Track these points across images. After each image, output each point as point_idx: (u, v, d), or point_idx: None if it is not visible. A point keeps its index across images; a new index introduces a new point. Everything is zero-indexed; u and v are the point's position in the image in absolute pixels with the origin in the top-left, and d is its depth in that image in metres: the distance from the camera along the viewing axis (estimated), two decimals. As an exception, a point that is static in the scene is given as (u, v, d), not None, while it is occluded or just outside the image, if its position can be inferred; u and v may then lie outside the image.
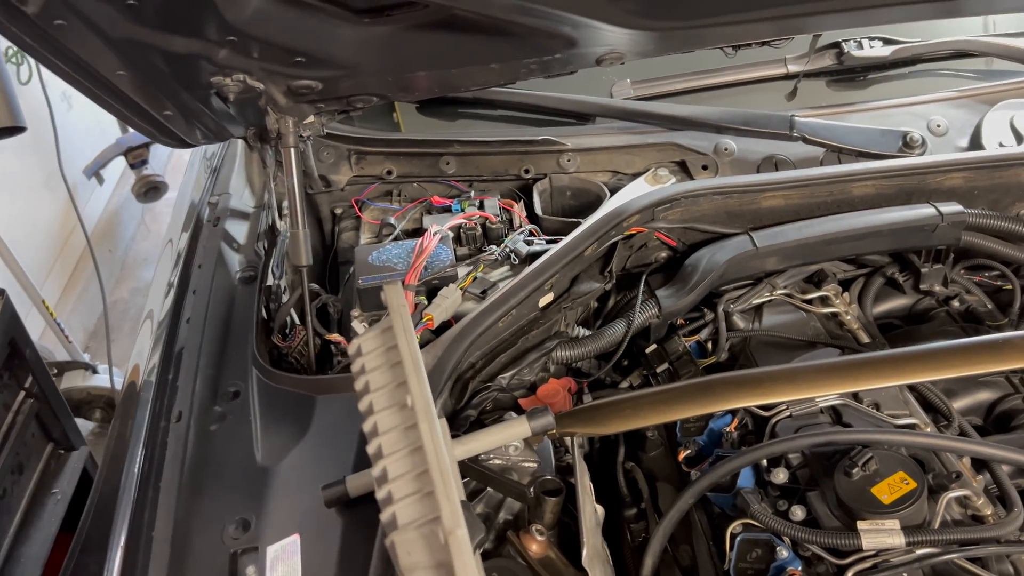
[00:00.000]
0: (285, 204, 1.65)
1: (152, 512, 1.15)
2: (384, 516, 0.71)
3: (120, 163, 4.07)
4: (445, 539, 0.65)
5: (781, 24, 1.34)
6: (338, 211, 1.78)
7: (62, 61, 1.05)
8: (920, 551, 1.05)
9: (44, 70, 3.33)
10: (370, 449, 0.76)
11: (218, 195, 1.69)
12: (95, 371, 3.07)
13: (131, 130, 4.13)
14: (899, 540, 1.05)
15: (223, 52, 1.12)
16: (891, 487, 1.10)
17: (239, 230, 1.62)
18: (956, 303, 1.56)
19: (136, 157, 4.05)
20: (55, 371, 2.93)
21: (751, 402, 1.16)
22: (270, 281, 1.52)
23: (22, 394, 1.82)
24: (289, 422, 1.26)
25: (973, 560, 1.05)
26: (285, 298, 1.50)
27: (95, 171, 4.00)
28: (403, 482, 0.71)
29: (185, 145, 1.48)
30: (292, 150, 1.33)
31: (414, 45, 1.23)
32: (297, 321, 1.47)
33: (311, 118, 1.43)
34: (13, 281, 2.89)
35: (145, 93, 1.18)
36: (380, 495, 0.72)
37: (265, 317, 1.47)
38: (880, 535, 1.06)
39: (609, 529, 1.34)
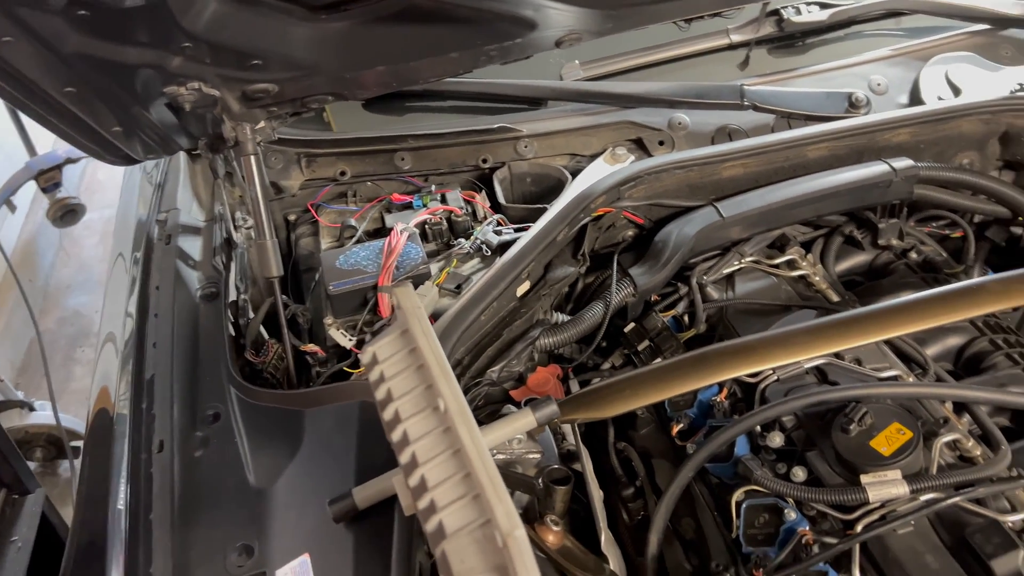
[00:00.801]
0: (238, 215, 1.59)
1: (147, 551, 1.09)
2: (430, 526, 0.68)
3: (31, 188, 3.86)
4: (504, 542, 0.63)
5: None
6: (292, 217, 1.72)
7: (4, 80, 0.97)
8: (924, 497, 1.07)
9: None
10: (403, 458, 0.73)
11: (165, 212, 1.61)
12: (31, 408, 2.91)
13: (40, 152, 3.93)
14: (903, 489, 1.07)
15: (177, 60, 1.06)
16: (888, 439, 1.13)
17: (193, 246, 1.55)
18: (913, 255, 1.61)
19: (48, 180, 3.84)
20: (-7, 416, 2.77)
21: (747, 369, 1.17)
22: (234, 296, 1.46)
23: (-32, 440, 1.71)
24: (278, 440, 1.21)
25: (974, 501, 1.09)
26: (252, 311, 1.44)
27: (5, 199, 3.77)
28: (446, 488, 0.69)
29: (130, 161, 1.41)
30: (252, 157, 1.27)
31: (373, 39, 1.19)
32: (267, 335, 1.42)
33: (262, 123, 1.37)
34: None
35: (92, 109, 1.11)
36: (422, 504, 0.70)
37: (234, 334, 1.41)
38: (885, 486, 1.08)
39: (605, 511, 1.34)
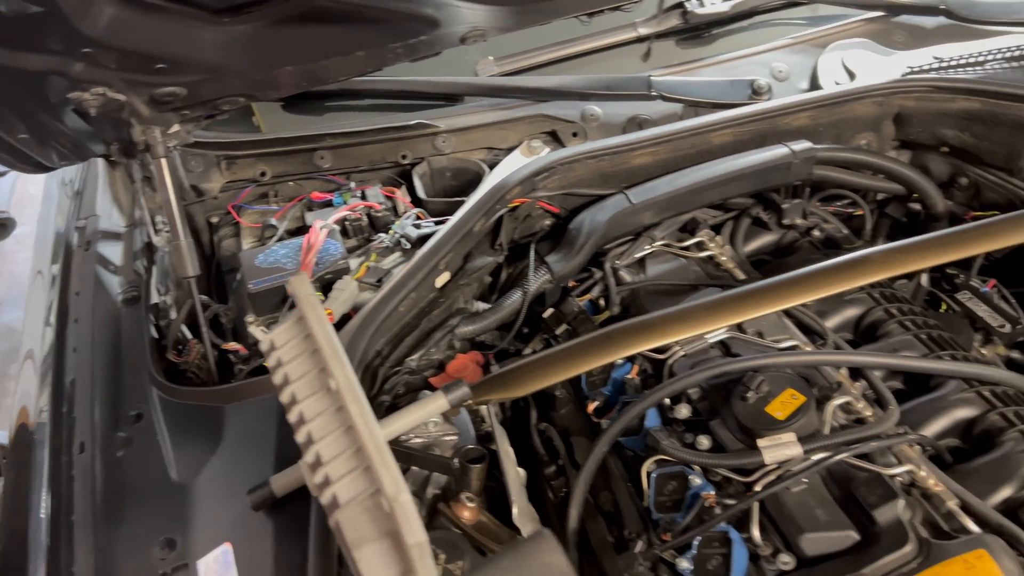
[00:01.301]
0: (158, 219, 1.60)
1: (69, 551, 1.11)
2: (324, 499, 0.72)
3: (-43, 203, 3.78)
4: (390, 507, 0.67)
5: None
6: (214, 220, 1.74)
7: (-100, 91, 0.99)
8: (816, 457, 1.14)
9: None
10: (299, 438, 0.77)
11: (85, 219, 1.62)
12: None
13: (-35, 166, 3.85)
14: (797, 450, 1.14)
15: (79, 66, 1.07)
16: (783, 404, 1.20)
17: (114, 252, 1.56)
18: (816, 232, 1.69)
19: (-25, 195, 3.77)
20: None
21: (650, 345, 1.23)
22: (156, 299, 1.47)
23: None
24: (200, 436, 1.24)
25: (862, 457, 1.16)
26: (174, 313, 1.46)
27: (-70, 216, 3.70)
28: (339, 462, 0.73)
29: (43, 169, 1.41)
30: (163, 160, 1.29)
31: (278, 41, 1.22)
32: (190, 335, 1.44)
33: (176, 127, 1.39)
34: None
35: (-4, 118, 1.12)
36: (316, 479, 0.73)
37: (156, 336, 1.43)
38: (779, 448, 1.15)
39: (531, 490, 1.39)
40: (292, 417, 0.78)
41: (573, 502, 1.28)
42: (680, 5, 1.85)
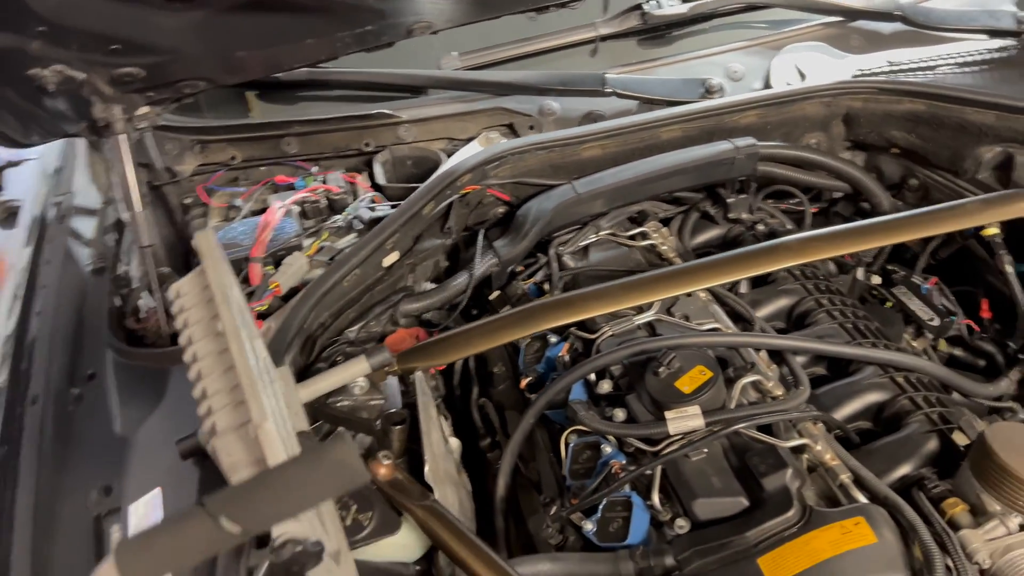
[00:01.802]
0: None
1: (12, 491, 1.20)
2: (205, 427, 0.80)
3: (-26, 191, 3.94)
4: (255, 433, 0.74)
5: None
6: (187, 201, 1.83)
7: None
8: (715, 429, 1.20)
9: None
10: (191, 374, 0.84)
11: (62, 195, 1.72)
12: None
13: (-17, 156, 4.01)
14: (699, 422, 1.20)
15: (36, 43, 1.16)
16: (692, 379, 1.26)
17: (87, 226, 1.66)
18: (761, 227, 1.74)
19: (-9, 183, 3.93)
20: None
21: (564, 320, 1.29)
22: (121, 270, 1.56)
23: None
24: (145, 394, 1.32)
25: (765, 432, 1.21)
26: (137, 284, 1.54)
27: (-52, 202, 3.86)
28: (219, 397, 0.80)
29: (21, 146, 1.51)
30: (121, 137, 1.38)
31: (229, 26, 1.31)
32: (151, 304, 1.53)
33: (144, 108, 1.48)
34: None
35: (-37, 91, 1.22)
36: (200, 411, 0.81)
37: (119, 304, 1.52)
38: (684, 420, 1.20)
39: (473, 463, 1.46)
40: (187, 357, 0.86)
41: (501, 471, 1.35)
42: (638, 7, 1.92)
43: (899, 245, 1.75)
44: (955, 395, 1.37)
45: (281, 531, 0.82)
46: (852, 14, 1.95)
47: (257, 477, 0.58)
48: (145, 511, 1.15)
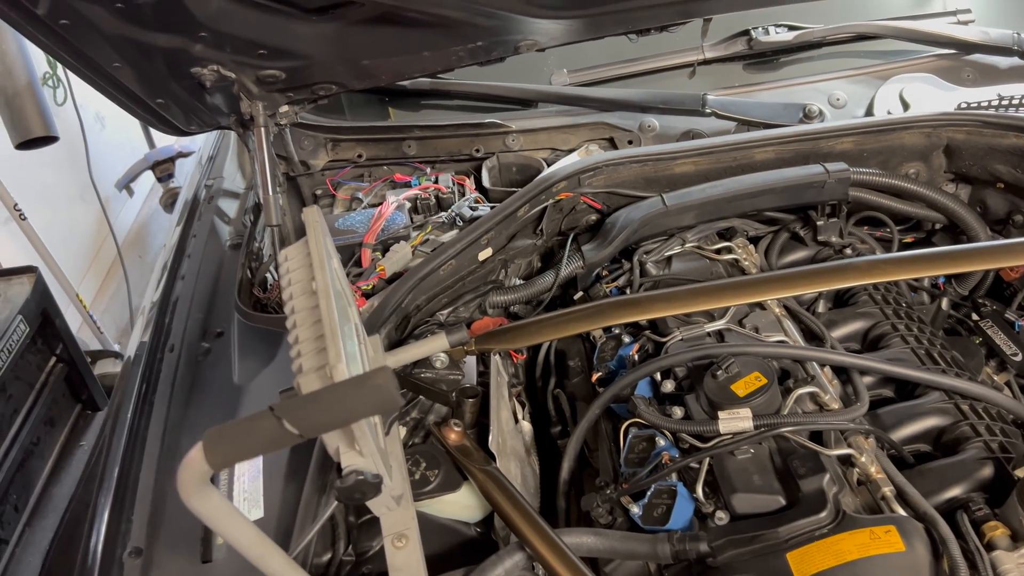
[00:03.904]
0: (270, 184, 1.93)
1: (147, 420, 1.42)
2: (294, 367, 0.96)
3: (149, 176, 4.42)
4: (330, 373, 0.90)
5: (674, 9, 1.58)
6: (318, 192, 2.05)
7: (69, 55, 1.33)
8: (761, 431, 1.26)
9: (77, 93, 3.69)
10: (288, 324, 1.01)
11: (213, 179, 1.97)
12: (123, 359, 3.38)
13: (158, 145, 4.50)
14: (748, 424, 1.26)
15: (198, 46, 1.39)
16: (747, 384, 1.32)
17: (230, 207, 1.90)
18: (849, 251, 1.77)
19: (163, 171, 4.39)
20: (89, 359, 3.24)
21: (631, 318, 1.39)
22: (254, 246, 1.79)
23: (53, 359, 2.11)
24: (262, 352, 1.52)
25: (814, 439, 1.26)
26: (266, 259, 1.76)
27: (126, 184, 4.36)
28: (307, 344, 0.96)
29: (180, 132, 1.76)
30: (262, 129, 1.59)
31: (357, 37, 1.49)
32: (276, 276, 1.74)
33: (285, 107, 1.70)
34: (53, 280, 3.21)
35: (139, 83, 1.46)
36: (292, 354, 0.97)
37: (249, 275, 1.74)
38: (734, 421, 1.27)
39: (548, 449, 1.58)
40: (287, 310, 1.03)
41: (566, 456, 1.46)
42: (746, 32, 1.99)
43: (998, 280, 1.73)
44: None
45: (349, 462, 0.98)
46: (966, 47, 1.94)
47: (314, 392, 0.73)
48: (249, 448, 1.34)
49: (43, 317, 2.07)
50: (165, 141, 4.36)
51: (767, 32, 1.98)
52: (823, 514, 1.14)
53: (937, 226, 1.85)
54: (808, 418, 1.27)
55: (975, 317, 1.68)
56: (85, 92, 3.57)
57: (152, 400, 1.44)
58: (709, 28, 1.93)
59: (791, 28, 1.99)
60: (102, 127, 4.34)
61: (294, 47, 1.47)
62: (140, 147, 4.47)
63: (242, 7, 1.34)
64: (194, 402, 1.45)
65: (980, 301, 1.69)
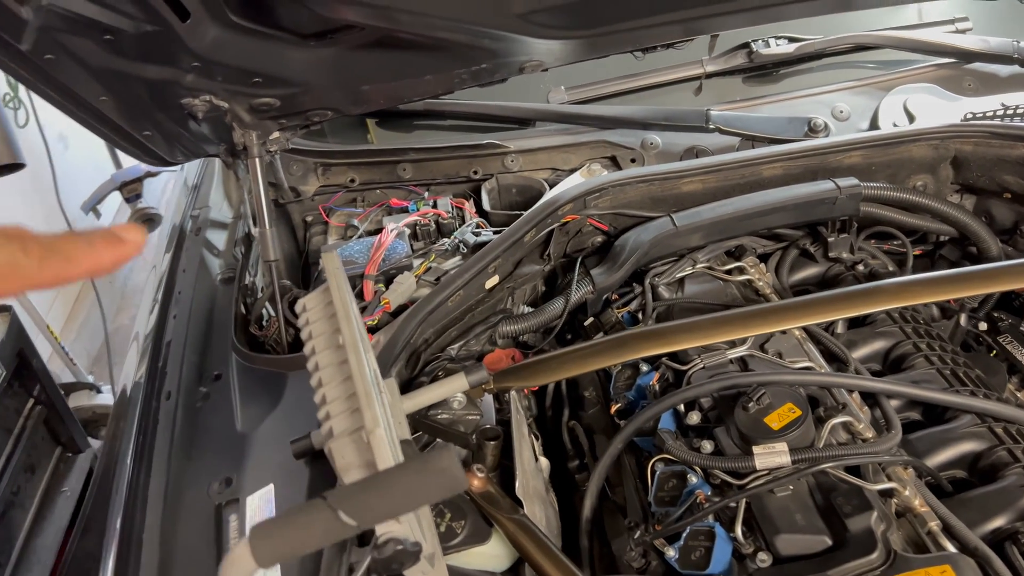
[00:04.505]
0: (260, 213, 1.84)
1: (147, 475, 1.33)
2: (323, 430, 0.89)
3: (116, 198, 4.27)
4: (368, 439, 0.83)
5: (680, 27, 1.53)
6: (308, 219, 1.97)
7: (52, 90, 1.24)
8: (802, 467, 1.21)
9: (40, 113, 3.56)
10: (312, 382, 0.94)
11: (199, 209, 1.88)
12: (99, 391, 3.25)
13: (125, 166, 4.35)
14: (786, 459, 1.22)
15: (190, 76, 1.31)
16: (780, 416, 1.28)
17: (219, 238, 1.81)
18: (861, 267, 1.74)
19: (130, 191, 4.23)
20: (63, 391, 3.11)
21: (657, 351, 1.33)
22: (247, 280, 1.70)
23: (31, 401, 2.00)
24: (265, 396, 1.44)
25: (852, 473, 1.22)
26: (260, 294, 1.68)
27: (92, 206, 4.19)
28: (337, 403, 0.89)
29: (166, 163, 1.67)
30: (256, 160, 1.51)
31: (357, 62, 1.42)
32: (271, 313, 1.66)
33: (276, 134, 1.62)
34: (20, 309, 3.07)
35: (125, 116, 1.37)
36: (320, 415, 0.90)
37: (244, 311, 1.65)
38: (770, 456, 1.23)
39: (561, 482, 1.51)
40: (310, 366, 0.95)
41: (588, 493, 1.39)
42: (746, 45, 1.95)
43: (1007, 292, 1.71)
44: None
45: (384, 530, 0.90)
46: (967, 56, 1.92)
47: (371, 478, 0.66)
48: (259, 504, 1.26)
49: (19, 358, 1.96)
50: (133, 161, 4.22)
51: (767, 44, 1.94)
52: (874, 555, 1.09)
53: (943, 238, 1.83)
54: (846, 450, 1.23)
55: (982, 327, 1.65)
56: (48, 112, 3.44)
57: (151, 453, 1.35)
58: (715, 45, 1.89)
59: (791, 40, 1.95)
60: (65, 147, 4.20)
61: (291, 74, 1.39)
62: (106, 167, 4.32)
63: (238, 35, 1.26)
64: (194, 455, 1.36)
65: (996, 315, 1.66)
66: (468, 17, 1.29)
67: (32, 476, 1.96)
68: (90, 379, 3.34)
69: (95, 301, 3.90)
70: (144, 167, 4.17)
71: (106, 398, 3.23)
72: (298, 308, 0.99)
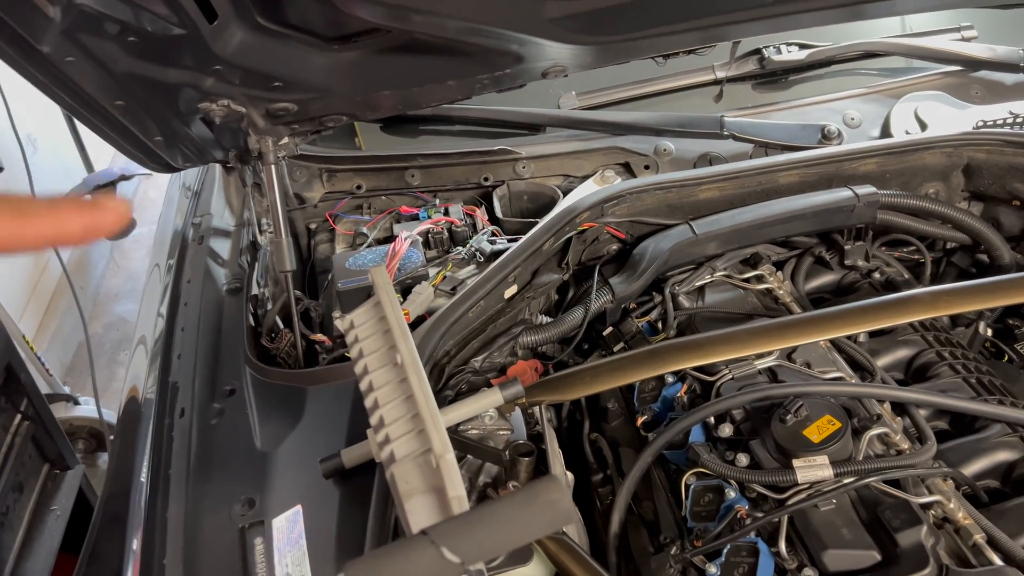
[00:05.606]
0: (264, 221, 1.78)
1: (164, 499, 1.27)
2: (383, 454, 0.85)
3: (87, 202, 4.15)
4: (437, 463, 0.79)
5: (702, 34, 1.51)
6: (313, 226, 1.91)
7: (66, 93, 1.18)
8: (847, 480, 1.20)
9: (12, 113, 3.42)
10: (367, 403, 0.89)
11: (200, 216, 1.81)
12: (76, 402, 3.14)
13: (97, 169, 4.23)
14: (828, 472, 1.20)
15: (210, 81, 1.25)
16: (819, 428, 1.26)
17: (222, 247, 1.75)
18: (877, 275, 1.73)
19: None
20: (46, 405, 3.00)
21: (692, 363, 1.31)
22: (255, 291, 1.64)
23: (18, 417, 1.91)
24: (284, 412, 1.38)
25: (893, 485, 1.21)
26: (270, 305, 1.62)
27: (63, 210, 4.07)
28: (398, 425, 0.85)
29: (170, 169, 1.61)
30: (273, 167, 1.46)
31: (379, 67, 1.38)
32: (282, 325, 1.60)
33: (286, 139, 1.57)
34: (-4, 319, 2.96)
35: (138, 121, 1.31)
36: (379, 438, 0.86)
37: (253, 323, 1.59)
38: (812, 469, 1.21)
39: (581, 496, 1.48)
40: (363, 385, 0.91)
41: (616, 508, 1.36)
42: (758, 51, 1.94)
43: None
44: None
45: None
46: (975, 64, 1.94)
47: (474, 512, 0.62)
48: (287, 526, 1.21)
49: (7, 373, 1.87)
50: (104, 164, 4.10)
51: (779, 51, 1.93)
52: (927, 571, 1.08)
53: (951, 245, 1.83)
54: (888, 463, 1.21)
55: (988, 333, 1.66)
56: (17, 113, 3.32)
57: (168, 476, 1.29)
58: (737, 50, 1.88)
59: (802, 47, 1.95)
60: (35, 150, 4.05)
61: (312, 78, 1.34)
62: (76, 170, 4.17)
63: (262, 37, 1.21)
64: (213, 475, 1.30)
65: (1013, 323, 1.67)
66: (501, 22, 1.25)
67: (20, 495, 1.88)
68: (67, 390, 3.23)
69: (67, 309, 3.78)
70: (118, 170, 4.07)
71: (85, 410, 3.13)
72: (343, 324, 0.95)
